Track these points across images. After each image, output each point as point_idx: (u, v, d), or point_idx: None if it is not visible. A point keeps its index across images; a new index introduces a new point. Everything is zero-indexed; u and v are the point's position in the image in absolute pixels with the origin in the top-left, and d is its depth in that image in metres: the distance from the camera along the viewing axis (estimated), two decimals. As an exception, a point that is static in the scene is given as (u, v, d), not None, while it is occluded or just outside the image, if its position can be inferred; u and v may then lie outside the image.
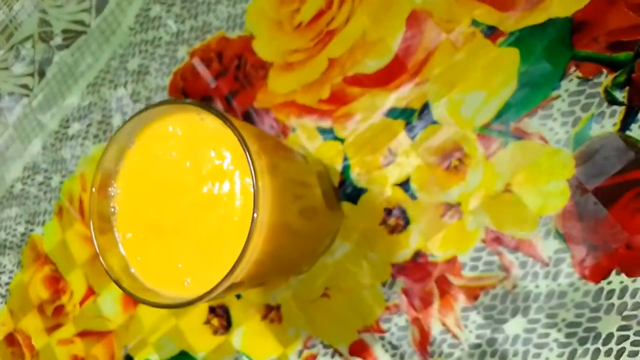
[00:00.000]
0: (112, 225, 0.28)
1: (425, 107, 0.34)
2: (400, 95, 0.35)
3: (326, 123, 0.37)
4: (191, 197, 0.27)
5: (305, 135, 0.37)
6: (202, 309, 0.39)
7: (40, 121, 0.48)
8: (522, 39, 0.32)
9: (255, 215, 0.24)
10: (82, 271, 0.44)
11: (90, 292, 0.43)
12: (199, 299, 0.25)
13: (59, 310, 0.45)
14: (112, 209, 0.28)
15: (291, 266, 0.32)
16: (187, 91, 0.42)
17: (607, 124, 0.30)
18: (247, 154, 0.25)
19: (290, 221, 0.29)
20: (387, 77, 0.36)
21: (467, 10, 0.34)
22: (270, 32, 0.39)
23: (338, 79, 0.37)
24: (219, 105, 0.40)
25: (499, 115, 0.33)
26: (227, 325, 0.38)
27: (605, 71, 0.30)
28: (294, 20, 0.39)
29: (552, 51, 0.32)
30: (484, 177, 0.33)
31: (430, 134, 0.34)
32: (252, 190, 0.25)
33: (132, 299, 0.41)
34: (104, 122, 0.45)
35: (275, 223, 0.26)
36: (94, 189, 0.28)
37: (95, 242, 0.27)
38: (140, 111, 0.27)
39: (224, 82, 0.40)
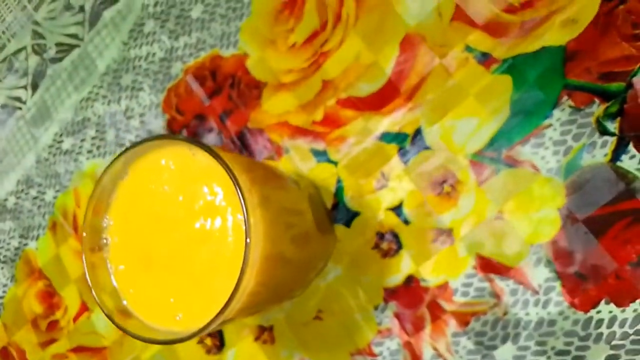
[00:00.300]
0: (105, 257, 0.28)
1: (418, 132, 0.34)
2: (393, 119, 0.35)
3: (320, 145, 0.37)
4: (183, 232, 0.26)
5: (298, 157, 0.37)
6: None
7: (33, 135, 0.47)
8: (516, 67, 0.32)
9: (247, 251, 0.24)
10: (76, 286, 0.44)
11: (84, 308, 0.43)
12: (192, 335, 0.25)
13: (53, 325, 0.44)
14: (105, 240, 0.28)
15: (284, 293, 0.32)
16: (180, 108, 0.41)
17: (599, 154, 0.30)
18: (239, 191, 0.25)
19: (283, 250, 0.29)
20: (380, 100, 0.35)
21: (460, 35, 0.34)
22: (264, 52, 0.39)
23: (332, 101, 0.37)
24: (213, 124, 0.40)
25: (491, 143, 0.32)
26: (220, 345, 0.38)
27: (597, 101, 0.30)
28: (288, 40, 0.38)
29: (545, 80, 0.32)
30: (476, 203, 0.33)
31: (422, 159, 0.34)
32: (243, 226, 0.25)
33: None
34: (97, 137, 0.44)
35: (268, 255, 0.26)
36: (85, 222, 0.28)
37: (87, 275, 0.27)
38: (134, 144, 0.27)
39: (218, 101, 0.40)
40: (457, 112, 0.33)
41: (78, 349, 0.43)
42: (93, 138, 0.44)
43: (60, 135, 0.46)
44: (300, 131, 0.38)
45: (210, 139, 0.40)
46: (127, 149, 0.27)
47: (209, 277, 0.26)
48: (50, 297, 0.45)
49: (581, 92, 0.31)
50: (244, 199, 0.25)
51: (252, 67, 0.39)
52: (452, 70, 0.34)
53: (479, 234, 0.32)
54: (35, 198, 0.46)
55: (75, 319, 0.44)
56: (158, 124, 0.42)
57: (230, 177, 0.25)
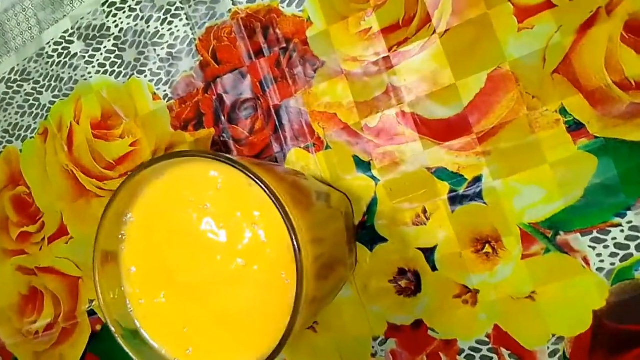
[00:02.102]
0: (118, 255, 0.23)
1: (478, 180, 0.30)
2: (455, 157, 0.30)
3: (365, 155, 0.32)
4: (217, 265, 0.22)
5: (337, 159, 0.32)
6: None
7: (40, 21, 0.39)
8: (606, 150, 0.28)
9: (300, 290, 0.20)
10: (58, 206, 0.39)
11: (63, 231, 0.39)
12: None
13: (25, 237, 0.40)
14: (121, 236, 0.23)
15: (310, 322, 0.29)
16: (218, 55, 0.35)
17: (657, 272, 0.27)
18: (295, 243, 0.20)
19: (322, 284, 0.25)
20: (447, 131, 0.30)
21: (559, 93, 0.29)
22: (330, 26, 0.32)
23: (392, 110, 0.31)
24: (250, 87, 0.34)
25: (551, 220, 0.29)
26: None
27: (677, 218, 0.27)
28: (363, 23, 0.32)
29: (631, 177, 0.27)
30: (513, 275, 0.29)
31: (473, 210, 0.30)
32: (283, 278, 0.20)
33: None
34: (114, 52, 0.37)
35: (308, 293, 0.23)
36: (105, 216, 0.22)
37: (95, 275, 0.23)
38: (182, 152, 0.21)
39: (263, 63, 0.34)
40: (528, 176, 0.29)
41: (48, 270, 0.39)
42: (109, 52, 0.37)
43: (71, 35, 0.38)
44: (348, 131, 0.32)
45: (244, 106, 0.34)
46: (170, 154, 0.21)
47: (235, 315, 0.22)
48: (27, 206, 0.40)
49: (665, 203, 0.27)
50: (297, 243, 0.20)
51: (312, 39, 0.33)
52: (537, 127, 0.29)
53: (505, 306, 0.30)
54: (29, 95, 0.39)
55: (51, 240, 0.39)
56: (188, 63, 0.35)
57: (289, 230, 0.20)
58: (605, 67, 0.28)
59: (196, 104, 0.35)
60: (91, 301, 0.38)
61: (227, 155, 0.21)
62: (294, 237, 0.19)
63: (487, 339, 0.30)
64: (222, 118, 0.35)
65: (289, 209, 0.20)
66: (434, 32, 0.31)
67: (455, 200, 0.30)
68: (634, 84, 0.27)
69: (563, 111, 0.28)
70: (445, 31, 0.30)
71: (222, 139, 0.35)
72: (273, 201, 0.19)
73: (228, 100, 0.34)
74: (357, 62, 0.32)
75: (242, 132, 0.34)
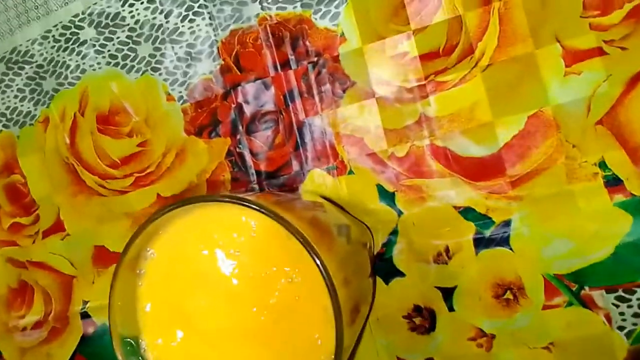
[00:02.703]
0: (135, 291, 0.21)
1: (506, 225, 0.28)
2: (485, 198, 0.29)
3: (390, 185, 0.30)
4: (242, 316, 0.20)
5: (360, 187, 0.30)
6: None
7: (48, 0, 0.36)
8: (643, 210, 0.27)
9: (340, 339, 0.19)
10: (56, 200, 0.36)
11: (59, 227, 0.36)
12: None
13: (17, 228, 0.37)
14: (139, 271, 0.21)
15: None
16: (241, 62, 0.32)
17: (678, 338, 0.26)
18: (336, 308, 0.18)
19: (347, 336, 0.23)
20: (479, 170, 0.29)
21: (600, 145, 0.27)
22: (366, 46, 0.30)
23: (422, 142, 0.29)
24: (274, 100, 0.31)
25: (577, 274, 0.28)
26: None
27: None
28: (400, 46, 0.29)
29: (667, 240, 0.26)
30: (531, 325, 0.28)
31: (498, 255, 0.29)
32: (316, 339, 0.19)
33: (108, 257, 0.35)
34: (127, 45, 0.34)
35: None
36: (127, 250, 0.20)
37: (110, 309, 0.20)
38: (218, 197, 0.19)
39: (289, 76, 0.31)
40: (559, 226, 0.28)
41: (40, 265, 0.37)
42: (122, 43, 0.34)
43: (81, 20, 0.35)
44: (374, 158, 0.30)
45: (265, 118, 0.32)
46: (205, 197, 0.19)
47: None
48: (22, 196, 0.37)
49: (696, 269, 0.26)
50: (339, 309, 0.19)
51: (344, 56, 0.30)
52: (574, 178, 0.27)
53: (521, 354, 0.29)
54: (30, 79, 0.36)
55: (45, 234, 0.36)
56: (208, 66, 0.32)
57: (327, 285, 0.18)
58: (653, 124, 0.26)
59: (213, 110, 0.33)
60: (85, 302, 0.36)
61: (269, 207, 0.19)
62: (335, 303, 0.18)
63: (497, 385, 0.29)
64: (240, 128, 0.32)
65: (330, 269, 0.18)
66: (476, 65, 0.29)
67: (480, 242, 0.29)
68: (679, 144, 0.26)
69: (602, 165, 0.27)
70: (488, 65, 0.28)
71: (238, 149, 0.32)
72: (318, 265, 0.18)
73: (248, 110, 0.32)
74: (390, 87, 0.30)
75: (260, 145, 0.32)
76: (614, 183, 0.27)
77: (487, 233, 0.29)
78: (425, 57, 0.29)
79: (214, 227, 0.20)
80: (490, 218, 0.29)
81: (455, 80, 0.29)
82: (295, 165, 0.32)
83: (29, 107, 0.36)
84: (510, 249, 0.28)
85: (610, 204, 0.27)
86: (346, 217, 0.28)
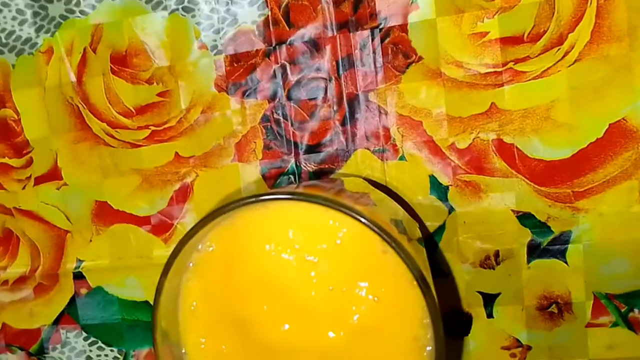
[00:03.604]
0: (179, 285, 0.17)
1: (566, 237, 0.26)
2: (548, 206, 0.26)
3: (445, 178, 0.27)
4: (312, 334, 0.17)
5: (411, 174, 0.27)
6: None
7: None
8: None
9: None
10: (54, 144, 0.31)
11: (56, 175, 0.31)
12: None
13: (6, 169, 0.32)
14: (189, 264, 0.17)
15: None
16: (290, 15, 0.27)
17: None
18: (435, 326, 0.15)
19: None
20: (546, 175, 0.26)
21: (683, 165, 0.25)
22: (441, 18, 0.26)
23: (489, 136, 0.26)
24: (325, 65, 0.27)
25: (629, 295, 0.26)
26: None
27: None
28: (480, 24, 0.26)
29: None
30: (571, 341, 0.26)
31: (551, 267, 0.26)
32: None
33: (111, 214, 0.31)
34: (156, -26, 0.28)
35: None
36: (185, 240, 0.16)
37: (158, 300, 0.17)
38: (306, 196, 0.15)
39: (347, 40, 0.27)
40: (620, 246, 0.25)
41: (29, 214, 0.32)
42: (150, -28, 0.28)
43: (102, -63, 0.29)
44: (431, 146, 0.27)
45: (311, 84, 0.27)
46: (302, 196, 0.15)
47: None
48: (13, 135, 0.31)
49: None
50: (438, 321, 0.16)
51: (413, 27, 0.26)
52: (647, 197, 0.25)
53: (555, 370, 0.27)
54: (34, 0, 0.30)
55: (38, 181, 0.31)
56: (251, 15, 0.28)
57: (433, 321, 0.15)
58: None
59: (251, 67, 0.28)
60: (80, 261, 0.31)
61: (370, 217, 0.15)
62: (438, 333, 0.15)
63: (526, 397, 0.27)
64: (282, 92, 0.28)
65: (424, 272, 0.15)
66: (562, 58, 0.25)
67: (534, 251, 0.26)
68: None
69: (681, 186, 0.25)
70: (575, 61, 0.25)
71: (275, 115, 0.28)
72: (421, 287, 0.14)
73: (293, 72, 0.28)
74: (462, 69, 0.26)
75: (302, 114, 0.28)
76: (688, 207, 0.25)
77: (544, 243, 0.26)
78: (506, 41, 0.25)
79: (291, 227, 0.16)
80: (549, 227, 0.26)
81: (537, 72, 0.25)
82: (339, 142, 0.28)
83: (29, 33, 0.30)
84: (566, 262, 0.26)
85: (680, 230, 0.25)
86: (400, 211, 0.24)
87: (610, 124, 0.25)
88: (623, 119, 0.25)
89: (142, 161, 0.30)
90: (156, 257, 0.30)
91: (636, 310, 0.26)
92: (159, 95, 0.29)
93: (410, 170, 0.27)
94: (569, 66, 0.25)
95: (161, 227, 0.30)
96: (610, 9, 0.24)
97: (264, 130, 0.28)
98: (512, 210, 0.26)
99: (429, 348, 0.16)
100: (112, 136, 0.30)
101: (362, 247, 0.16)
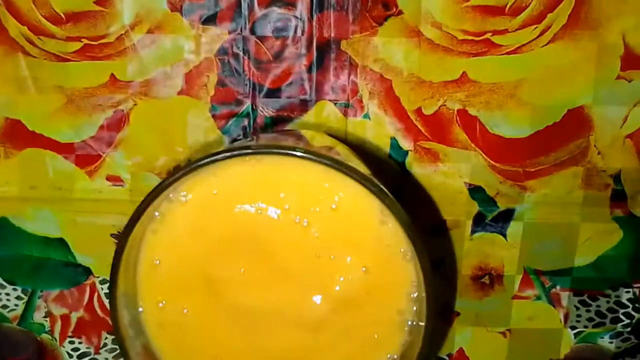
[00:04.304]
0: (143, 238, 0.15)
1: (509, 213, 0.26)
2: (499, 182, 0.26)
3: (406, 143, 0.26)
4: (294, 300, 0.15)
5: (373, 134, 0.26)
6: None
7: None
8: (634, 229, 0.26)
9: None
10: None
11: None
12: None
13: None
14: (156, 214, 0.15)
15: None
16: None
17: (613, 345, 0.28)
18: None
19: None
20: (502, 152, 0.26)
21: (622, 159, 0.26)
22: (428, -27, 0.24)
23: (454, 105, 0.25)
24: (297, 1, 0.24)
25: (555, 273, 0.27)
26: None
27: None
28: (466, -13, 0.24)
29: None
30: (497, 311, 0.28)
31: (491, 240, 0.27)
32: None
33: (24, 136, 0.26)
34: None
35: None
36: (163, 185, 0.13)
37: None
38: (304, 150, 0.13)
39: (327, -21, 0.24)
40: (558, 227, 0.26)
41: None
42: None
43: None
44: (396, 108, 0.25)
45: (280, 20, 0.24)
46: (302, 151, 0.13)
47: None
48: None
49: None
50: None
51: (400, -23, 0.24)
52: (588, 185, 0.26)
53: (478, 335, 0.28)
54: None
55: None
56: None
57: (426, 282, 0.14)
58: (675, 151, 0.26)
59: (214, -11, 0.24)
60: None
61: (373, 179, 0.13)
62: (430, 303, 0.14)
63: (446, 358, 0.28)
64: (245, 24, 0.25)
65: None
66: (538, 36, 0.25)
67: (478, 224, 0.27)
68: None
69: (617, 178, 0.26)
70: (549, 42, 0.25)
71: (234, 49, 0.25)
72: (419, 258, 0.13)
73: (261, 3, 0.24)
74: (440, 31, 0.25)
75: (265, 52, 0.25)
76: (618, 198, 0.26)
77: (489, 217, 0.26)
78: (488, 10, 0.24)
79: (283, 185, 0.14)
80: (495, 202, 0.26)
81: (511, 47, 0.25)
82: (302, 90, 0.25)
83: None
84: (505, 237, 0.27)
85: (609, 217, 0.26)
86: (366, 169, 0.23)
87: (569, 110, 0.25)
88: (582, 106, 0.25)
89: (69, 79, 0.25)
90: (78, 190, 0.26)
91: (558, 287, 0.27)
92: (97, 3, 0.24)
93: (373, 130, 0.26)
94: (543, 46, 0.25)
95: (86, 158, 0.26)
96: (590, -4, 0.24)
97: (219, 64, 0.25)
98: (465, 183, 0.26)
99: (414, 322, 0.15)
100: (34, 44, 0.25)
101: (359, 215, 0.15)
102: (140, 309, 0.15)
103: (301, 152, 0.13)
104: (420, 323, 0.14)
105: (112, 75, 0.25)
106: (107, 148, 0.26)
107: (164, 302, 0.15)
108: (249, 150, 0.14)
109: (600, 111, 0.25)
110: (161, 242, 0.15)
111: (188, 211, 0.15)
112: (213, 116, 0.26)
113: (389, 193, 0.14)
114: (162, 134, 0.26)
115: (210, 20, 0.25)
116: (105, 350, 0.28)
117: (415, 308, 0.15)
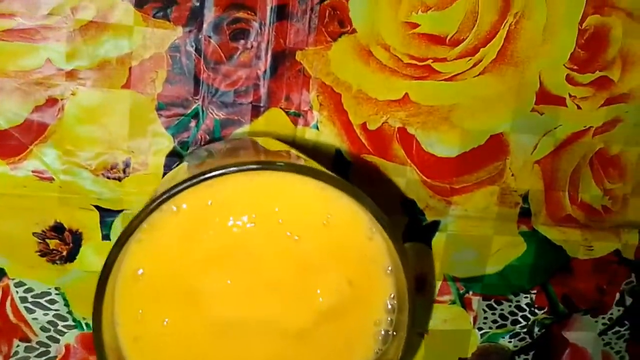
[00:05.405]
0: (128, 247, 0.13)
1: (435, 225, 0.28)
2: (428, 196, 0.28)
3: (349, 156, 0.26)
4: (280, 312, 0.15)
5: (319, 144, 0.26)
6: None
7: None
8: (535, 243, 0.30)
9: None
10: None
11: None
12: None
13: None
14: (144, 223, 0.13)
15: None
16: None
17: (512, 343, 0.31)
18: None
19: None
20: (434, 169, 0.28)
21: (531, 181, 0.29)
22: (382, -3, 0.25)
23: (395, 123, 0.27)
24: (257, 7, 0.24)
25: (469, 280, 0.30)
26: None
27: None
28: (414, 15, 0.26)
29: (538, 270, 0.30)
30: (419, 313, 0.29)
31: (416, 250, 0.28)
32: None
33: None
34: None
35: None
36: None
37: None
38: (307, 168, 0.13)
39: (288, -11, 0.24)
40: (474, 239, 0.29)
41: None
42: None
43: None
44: (344, 121, 0.26)
45: (238, 23, 0.24)
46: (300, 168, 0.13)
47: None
48: None
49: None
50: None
51: (354, 3, 0.25)
52: (502, 203, 0.29)
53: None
54: None
55: None
56: None
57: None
58: (570, 179, 0.29)
59: (171, -16, 0.23)
60: None
61: (365, 195, 0.14)
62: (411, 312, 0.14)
63: (370, 359, 0.29)
64: (203, 23, 0.24)
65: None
66: (471, 67, 0.27)
67: (408, 234, 0.28)
68: (582, 204, 0.30)
69: (525, 198, 0.29)
70: (479, 73, 0.27)
71: (187, 47, 0.24)
72: (405, 272, 0.14)
73: (219, 6, 0.24)
74: (388, 54, 0.26)
75: (220, 53, 0.24)
76: (524, 215, 0.29)
77: (417, 228, 0.28)
78: (431, 39, 0.26)
79: (279, 200, 0.14)
80: (424, 215, 0.28)
81: (448, 75, 0.27)
82: (255, 96, 0.25)
83: None
84: (430, 247, 0.29)
85: (516, 232, 0.29)
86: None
87: (491, 135, 0.28)
88: (501, 132, 0.28)
89: (-5, 59, 0.22)
90: (-3, 183, 0.23)
91: (471, 292, 0.30)
92: (36, -22, 0.22)
93: (319, 140, 0.26)
94: (474, 77, 0.27)
95: (11, 148, 0.23)
96: (517, 36, 0.27)
97: (170, 61, 0.24)
98: (399, 195, 0.28)
99: (388, 332, 0.15)
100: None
101: (348, 230, 0.15)
102: (117, 320, 0.14)
103: (304, 168, 0.13)
104: (398, 333, 0.15)
105: (48, 59, 0.23)
106: (35, 139, 0.23)
107: (141, 311, 0.14)
108: (257, 166, 0.13)
109: (516, 138, 0.28)
110: (146, 252, 0.14)
111: (180, 221, 0.14)
112: (159, 114, 0.24)
113: (379, 209, 0.14)
114: (100, 128, 0.24)
115: (164, 15, 0.23)
116: (16, 360, 0.25)
117: (390, 319, 0.16)
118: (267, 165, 0.13)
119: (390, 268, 0.15)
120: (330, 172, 0.14)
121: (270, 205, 0.15)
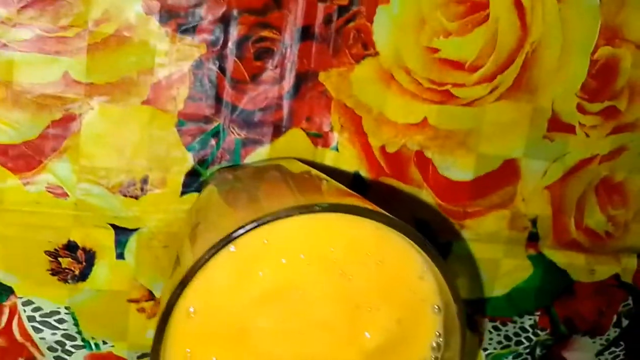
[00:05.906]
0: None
1: (447, 245, 0.28)
2: (442, 218, 0.28)
3: (368, 178, 0.26)
4: (334, 353, 0.14)
5: (336, 167, 0.26)
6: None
7: None
8: (542, 267, 0.30)
9: None
10: None
11: None
12: None
13: None
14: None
15: None
16: (260, -43, 0.23)
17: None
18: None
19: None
20: (448, 192, 0.27)
21: (540, 206, 0.29)
22: (406, 21, 0.25)
23: (414, 147, 0.26)
24: (282, 28, 0.23)
25: (477, 302, 0.30)
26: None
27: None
28: (435, 40, 0.25)
29: (542, 294, 0.30)
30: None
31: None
32: None
33: None
34: None
35: None
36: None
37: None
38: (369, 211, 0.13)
39: (311, 8, 0.24)
40: (484, 260, 0.29)
41: None
42: None
43: None
44: (363, 142, 0.26)
45: (263, 43, 0.23)
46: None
47: None
48: None
49: None
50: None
51: (380, 20, 0.25)
52: (512, 227, 0.29)
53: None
54: None
55: None
56: (213, -62, 0.22)
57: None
58: (576, 204, 0.30)
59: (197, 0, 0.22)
60: None
61: (420, 235, 0.13)
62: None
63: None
64: (227, 41, 0.23)
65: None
66: (489, 93, 0.27)
67: (421, 256, 0.28)
68: (587, 229, 0.30)
69: (534, 222, 0.29)
70: (496, 100, 0.27)
71: (211, 64, 0.23)
72: (458, 312, 0.14)
73: (244, 23, 0.23)
74: (409, 77, 0.26)
75: (243, 73, 0.24)
76: (533, 239, 0.30)
77: (431, 250, 0.28)
78: (451, 64, 0.26)
79: (335, 240, 0.13)
80: (438, 235, 0.28)
81: (467, 100, 0.27)
82: (277, 116, 0.24)
83: None
84: (442, 269, 0.29)
85: (524, 255, 0.30)
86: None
87: (505, 160, 0.28)
88: (515, 158, 0.28)
89: (12, 70, 0.21)
90: (9, 201, 0.22)
91: (479, 315, 0.30)
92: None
93: (339, 162, 0.26)
94: (491, 102, 0.27)
95: (24, 162, 0.22)
96: (532, 65, 0.27)
97: (192, 78, 0.23)
98: (414, 217, 0.27)
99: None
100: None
101: (400, 269, 0.15)
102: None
103: (361, 209, 0.13)
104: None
105: (66, 73, 0.22)
106: (49, 154, 0.22)
107: (189, 350, 0.13)
108: (319, 208, 0.13)
109: (528, 164, 0.28)
110: (198, 290, 0.13)
111: (234, 260, 0.13)
112: (179, 131, 0.24)
113: (433, 247, 0.14)
114: (119, 144, 0.23)
115: (188, 31, 0.23)
116: (19, 381, 0.24)
117: (434, 357, 0.15)
118: (328, 208, 0.13)
119: (437, 306, 0.15)
120: (384, 212, 0.14)
121: (325, 245, 0.14)
